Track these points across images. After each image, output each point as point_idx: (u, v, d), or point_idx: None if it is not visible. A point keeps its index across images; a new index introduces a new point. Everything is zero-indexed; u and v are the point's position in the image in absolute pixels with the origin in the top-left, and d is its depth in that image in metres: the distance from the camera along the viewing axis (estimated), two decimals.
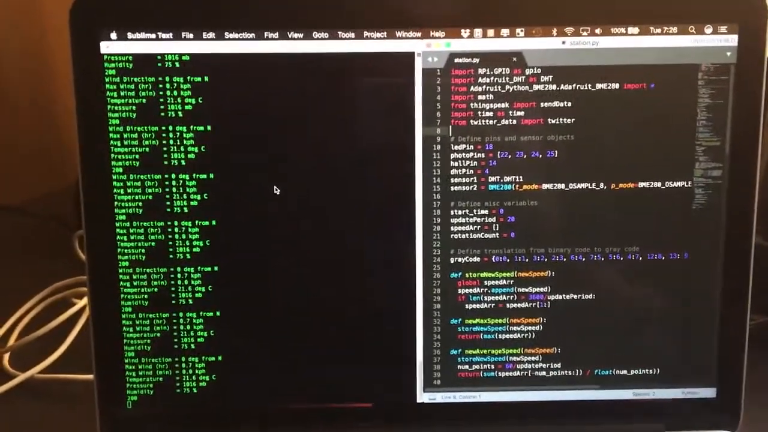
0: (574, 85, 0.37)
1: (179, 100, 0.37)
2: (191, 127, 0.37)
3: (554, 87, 0.37)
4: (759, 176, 0.38)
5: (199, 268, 0.39)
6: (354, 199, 0.38)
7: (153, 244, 0.38)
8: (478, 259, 0.39)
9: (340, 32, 0.37)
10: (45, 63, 0.76)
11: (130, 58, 0.37)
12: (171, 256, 0.38)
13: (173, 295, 0.39)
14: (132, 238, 0.38)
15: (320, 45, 0.37)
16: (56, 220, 0.67)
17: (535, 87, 0.37)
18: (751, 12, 0.37)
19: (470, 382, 0.40)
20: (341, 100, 0.37)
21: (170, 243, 0.38)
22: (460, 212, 0.39)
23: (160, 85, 0.37)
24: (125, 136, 0.37)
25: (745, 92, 0.37)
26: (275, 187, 0.38)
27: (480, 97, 0.38)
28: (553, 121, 0.38)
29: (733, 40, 0.37)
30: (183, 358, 0.39)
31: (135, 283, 0.39)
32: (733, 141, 0.38)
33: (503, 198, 0.38)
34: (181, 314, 0.39)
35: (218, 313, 0.39)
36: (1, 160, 0.74)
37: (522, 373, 0.40)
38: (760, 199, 0.38)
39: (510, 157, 0.38)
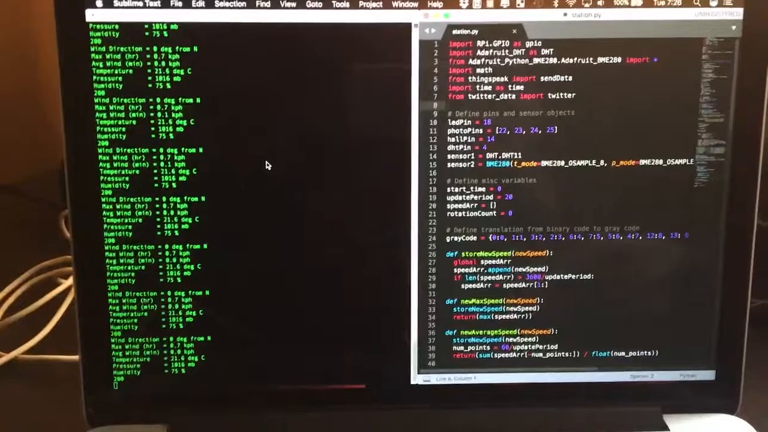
0: (575, 59, 0.36)
1: (167, 70, 0.36)
2: (180, 98, 0.36)
3: (555, 61, 0.36)
4: (762, 155, 0.37)
5: (187, 245, 0.37)
6: (348, 175, 0.37)
7: (140, 220, 0.37)
8: (475, 238, 0.38)
9: (334, 1, 0.35)
10: (32, 41, 0.74)
11: (117, 26, 0.35)
12: (158, 232, 0.37)
13: (161, 274, 0.38)
14: (118, 214, 0.37)
15: (314, 14, 0.35)
16: (43, 199, 0.66)
17: (535, 60, 0.36)
18: None
19: (465, 363, 0.39)
20: (335, 73, 0.36)
21: (158, 219, 0.37)
22: (456, 189, 0.38)
23: (148, 55, 0.36)
24: (111, 108, 0.36)
25: (749, 68, 0.36)
26: (266, 162, 0.37)
27: (478, 71, 0.36)
28: (553, 96, 0.37)
29: (738, 13, 0.36)
30: (171, 338, 0.38)
31: (121, 261, 0.37)
32: (737, 118, 0.37)
33: (501, 175, 0.37)
34: (169, 293, 0.38)
35: (207, 292, 0.38)
36: None
37: (518, 354, 0.39)
38: (762, 180, 0.38)
39: (508, 132, 0.37)
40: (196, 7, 0.35)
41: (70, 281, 0.51)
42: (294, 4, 0.35)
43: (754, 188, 0.37)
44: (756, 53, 0.36)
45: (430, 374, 0.39)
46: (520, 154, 0.37)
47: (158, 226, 0.37)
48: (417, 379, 0.39)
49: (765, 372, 0.41)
